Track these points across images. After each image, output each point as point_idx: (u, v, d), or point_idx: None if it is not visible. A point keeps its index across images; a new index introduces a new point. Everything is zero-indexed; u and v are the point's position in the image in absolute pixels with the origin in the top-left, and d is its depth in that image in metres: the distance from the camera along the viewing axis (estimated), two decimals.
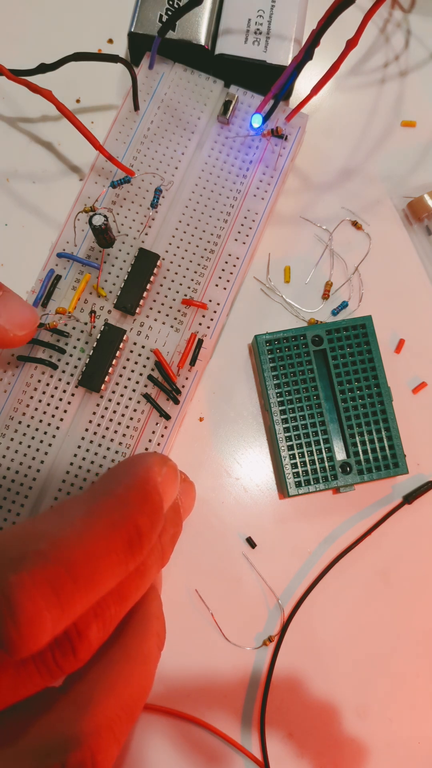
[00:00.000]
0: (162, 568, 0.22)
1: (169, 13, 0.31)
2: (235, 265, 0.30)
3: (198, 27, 0.31)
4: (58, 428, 0.28)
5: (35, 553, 0.16)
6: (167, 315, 0.30)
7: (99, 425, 0.29)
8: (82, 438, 0.28)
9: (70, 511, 0.19)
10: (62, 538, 0.17)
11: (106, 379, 0.29)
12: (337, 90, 0.35)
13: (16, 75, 0.29)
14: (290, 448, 0.30)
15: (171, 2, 0.31)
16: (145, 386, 0.29)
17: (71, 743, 0.16)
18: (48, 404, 0.29)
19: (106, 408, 0.29)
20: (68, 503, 0.19)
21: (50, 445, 0.28)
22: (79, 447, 0.28)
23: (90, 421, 0.29)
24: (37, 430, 0.28)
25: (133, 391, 0.29)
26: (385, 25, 0.36)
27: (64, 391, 0.29)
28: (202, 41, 0.31)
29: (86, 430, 0.28)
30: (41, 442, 0.28)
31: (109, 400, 0.29)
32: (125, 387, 0.29)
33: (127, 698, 0.18)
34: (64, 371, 0.29)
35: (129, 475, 0.20)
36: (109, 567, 0.17)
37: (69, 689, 0.18)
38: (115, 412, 0.29)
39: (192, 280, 0.30)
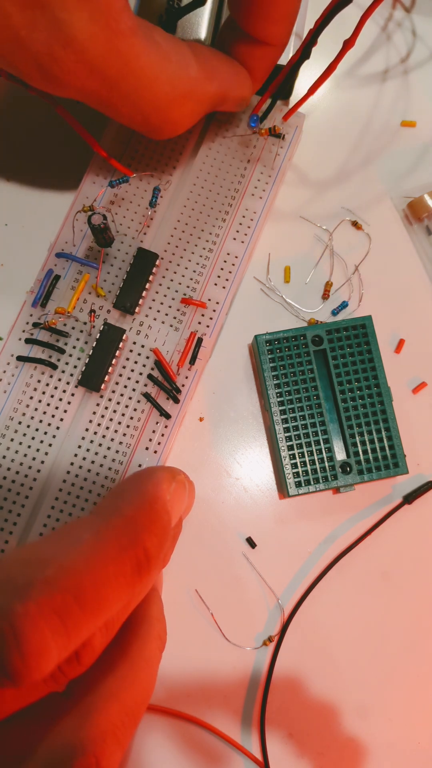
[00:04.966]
0: (162, 569, 0.22)
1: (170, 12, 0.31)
2: (234, 264, 0.30)
3: (198, 27, 0.31)
4: (58, 428, 0.28)
5: (42, 581, 0.16)
6: (166, 314, 0.30)
7: (99, 425, 0.29)
8: (83, 438, 0.28)
9: (77, 533, 0.18)
10: (69, 563, 0.17)
11: (106, 378, 0.29)
12: (338, 89, 0.35)
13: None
14: (290, 448, 0.30)
15: (171, 2, 0.31)
16: (145, 385, 0.29)
17: (76, 751, 0.16)
18: (48, 404, 0.29)
19: (106, 407, 0.29)
20: (76, 524, 0.19)
21: (50, 445, 0.28)
22: (79, 447, 0.28)
23: (90, 421, 0.29)
24: (37, 430, 0.28)
25: (133, 390, 0.29)
26: (386, 24, 0.36)
27: (64, 391, 0.29)
28: (204, 41, 0.31)
29: (86, 429, 0.28)
30: (41, 442, 0.28)
31: (109, 400, 0.29)
32: (125, 386, 0.29)
33: (130, 702, 0.18)
34: (63, 371, 0.29)
35: (137, 492, 0.20)
36: (116, 591, 0.17)
37: (72, 695, 0.19)
38: (115, 411, 0.29)
39: (191, 279, 0.30)
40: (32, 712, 0.18)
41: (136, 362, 0.29)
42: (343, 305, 0.32)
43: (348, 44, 0.25)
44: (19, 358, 0.29)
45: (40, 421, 0.28)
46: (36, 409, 0.29)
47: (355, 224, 0.33)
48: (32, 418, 0.28)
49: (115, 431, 0.29)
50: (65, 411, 0.29)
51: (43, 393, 0.29)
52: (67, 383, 0.29)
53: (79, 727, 0.17)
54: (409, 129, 0.35)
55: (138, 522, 0.19)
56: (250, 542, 0.31)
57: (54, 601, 0.15)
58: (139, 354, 0.29)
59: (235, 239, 0.30)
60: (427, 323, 0.33)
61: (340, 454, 0.30)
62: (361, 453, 0.30)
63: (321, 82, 0.27)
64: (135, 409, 0.29)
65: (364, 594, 0.31)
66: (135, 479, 0.21)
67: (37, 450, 0.28)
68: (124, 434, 0.29)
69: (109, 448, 0.28)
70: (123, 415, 0.29)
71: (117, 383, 0.29)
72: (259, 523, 0.31)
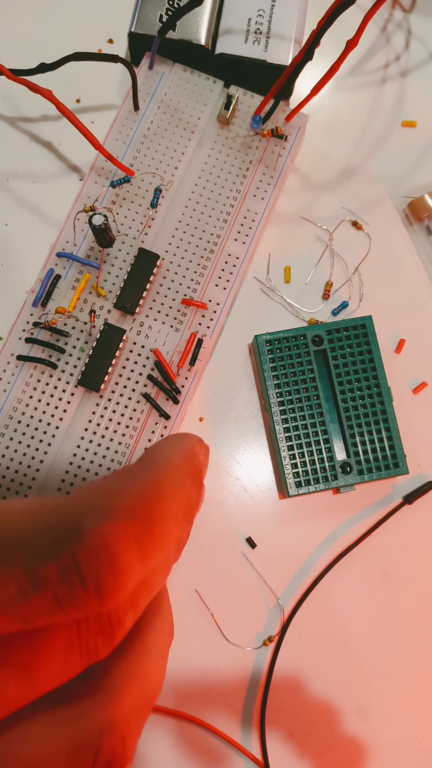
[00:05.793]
0: (175, 562, 0.22)
1: (170, 13, 0.31)
2: (234, 265, 0.30)
3: (198, 27, 0.31)
4: (57, 428, 0.28)
5: (123, 508, 0.17)
6: (167, 315, 0.30)
7: (98, 425, 0.29)
8: (82, 438, 0.28)
9: (139, 472, 0.20)
10: (139, 497, 0.18)
11: (106, 378, 0.29)
12: (338, 90, 0.35)
13: (16, 75, 0.29)
14: (290, 448, 0.30)
15: (171, 2, 0.31)
16: (145, 386, 0.29)
17: (104, 729, 0.17)
18: (47, 404, 0.29)
19: (106, 408, 0.29)
20: (134, 467, 0.20)
21: (50, 444, 0.28)
22: (78, 447, 0.28)
23: (89, 421, 0.29)
24: (36, 429, 0.28)
25: (133, 390, 0.29)
26: (386, 25, 0.36)
27: (64, 391, 0.29)
28: (203, 41, 0.31)
29: (86, 429, 0.28)
30: (41, 441, 0.28)
31: (109, 400, 0.29)
32: (125, 387, 0.29)
33: (148, 688, 0.19)
34: (63, 371, 0.29)
35: (179, 449, 0.21)
36: (174, 528, 0.18)
37: (90, 677, 0.19)
38: (114, 411, 0.29)
39: (192, 279, 0.30)
40: (51, 697, 0.18)
41: (136, 362, 0.29)
42: (343, 305, 0.32)
43: (351, 44, 0.25)
44: (19, 358, 0.29)
45: (40, 421, 0.28)
46: (36, 409, 0.28)
47: (355, 224, 0.33)
48: (32, 417, 0.28)
49: (115, 431, 0.29)
50: (65, 411, 0.29)
51: (43, 392, 0.29)
52: (67, 383, 0.29)
53: (104, 707, 0.17)
54: (409, 129, 0.35)
55: (186, 472, 0.20)
56: (250, 542, 0.31)
57: (134, 526, 0.16)
58: (139, 354, 0.29)
59: (236, 240, 0.30)
60: (427, 323, 0.33)
61: (340, 454, 0.30)
62: (361, 453, 0.30)
63: (324, 83, 0.27)
64: (134, 410, 0.29)
65: (364, 594, 0.31)
66: (172, 438, 0.22)
67: (37, 449, 0.28)
68: (124, 434, 0.29)
69: (108, 448, 0.28)
70: (122, 415, 0.29)
71: (117, 383, 0.29)
72: (259, 523, 0.31)
